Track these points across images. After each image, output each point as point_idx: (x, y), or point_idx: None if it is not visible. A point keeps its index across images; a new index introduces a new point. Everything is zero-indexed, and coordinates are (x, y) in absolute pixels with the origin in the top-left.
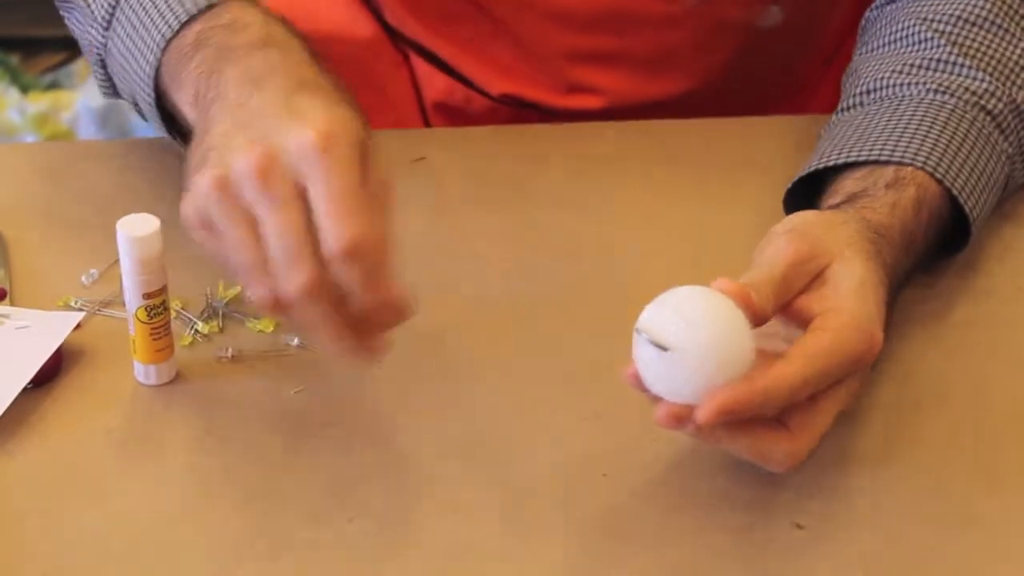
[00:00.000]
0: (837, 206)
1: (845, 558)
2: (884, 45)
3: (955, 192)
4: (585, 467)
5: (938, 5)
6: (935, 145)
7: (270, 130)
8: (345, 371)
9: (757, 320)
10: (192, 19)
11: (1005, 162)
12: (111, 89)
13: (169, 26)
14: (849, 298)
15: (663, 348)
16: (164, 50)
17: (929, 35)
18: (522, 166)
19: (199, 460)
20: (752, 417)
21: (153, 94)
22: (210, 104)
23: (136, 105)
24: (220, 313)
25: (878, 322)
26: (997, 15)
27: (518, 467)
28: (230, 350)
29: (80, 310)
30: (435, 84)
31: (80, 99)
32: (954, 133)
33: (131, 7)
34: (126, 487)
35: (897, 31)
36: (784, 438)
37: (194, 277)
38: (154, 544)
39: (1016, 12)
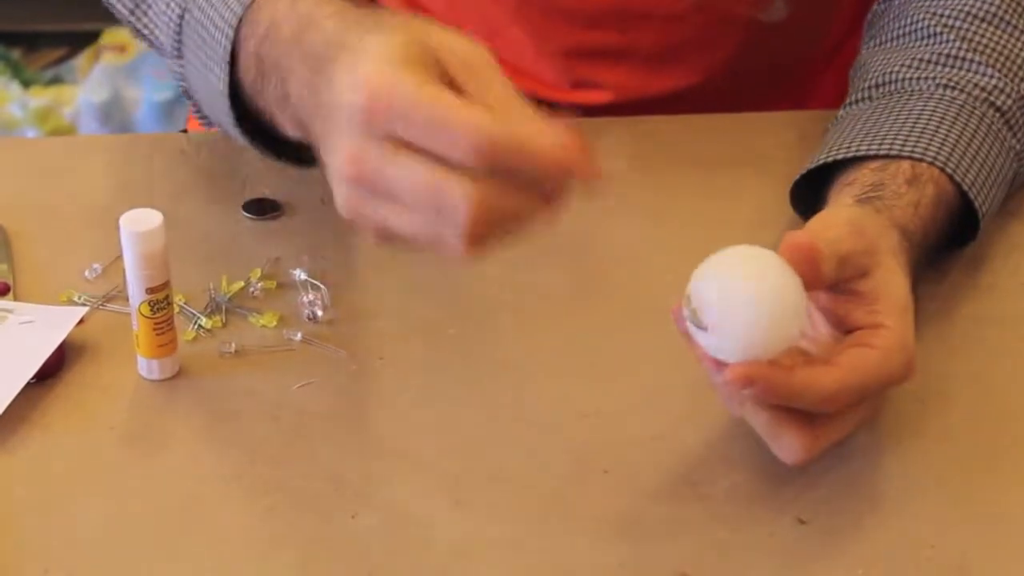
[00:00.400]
0: (865, 198)
1: (847, 553)
2: (893, 39)
3: (965, 188)
4: (587, 463)
5: (948, 0)
6: (945, 141)
7: (341, 122)
8: (346, 367)
9: (816, 284)
10: (243, 35)
11: (1013, 158)
12: (205, 119)
13: (222, 69)
14: (897, 316)
15: (702, 328)
16: (230, 81)
17: (939, 30)
18: None
19: (202, 455)
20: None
21: (231, 111)
22: (310, 128)
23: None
24: (223, 308)
25: (915, 347)
26: (1007, 12)
27: (520, 463)
28: (233, 345)
29: (83, 305)
30: None
31: (82, 94)
32: (964, 128)
33: (193, 29)
34: (129, 482)
35: (906, 25)
36: (802, 431)
37: (197, 272)
38: (157, 539)
39: None
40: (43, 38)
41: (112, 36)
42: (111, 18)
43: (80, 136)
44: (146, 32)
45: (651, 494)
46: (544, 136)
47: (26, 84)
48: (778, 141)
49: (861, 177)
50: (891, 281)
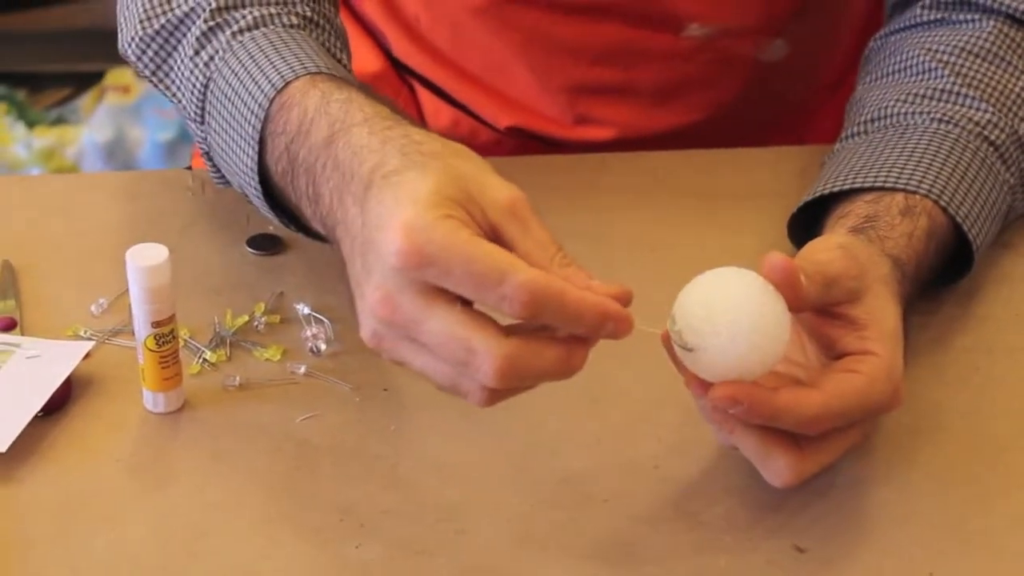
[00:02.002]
0: (859, 229)
1: (842, 570)
2: (888, 75)
3: (959, 220)
4: (587, 493)
5: (942, 36)
6: (939, 174)
7: (371, 258)
8: (350, 399)
9: (797, 304)
10: (273, 127)
11: (1007, 192)
12: (222, 179)
13: (252, 148)
14: (885, 344)
15: (686, 349)
16: (259, 170)
17: (933, 65)
18: (529, 197)
19: (207, 487)
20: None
21: (260, 188)
22: (334, 237)
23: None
24: (228, 342)
25: (903, 375)
26: (1000, 48)
27: (522, 493)
28: (237, 378)
29: (90, 339)
30: (440, 116)
31: (86, 134)
32: (958, 162)
33: (219, 101)
34: (135, 514)
35: (901, 61)
36: (790, 452)
37: (202, 306)
38: (163, 570)
39: (1019, 46)
40: (47, 78)
41: (116, 76)
42: (115, 59)
43: (86, 173)
44: (168, 94)
45: (651, 522)
46: (587, 297)
47: (30, 124)
48: (778, 175)
49: (855, 209)
50: (881, 308)
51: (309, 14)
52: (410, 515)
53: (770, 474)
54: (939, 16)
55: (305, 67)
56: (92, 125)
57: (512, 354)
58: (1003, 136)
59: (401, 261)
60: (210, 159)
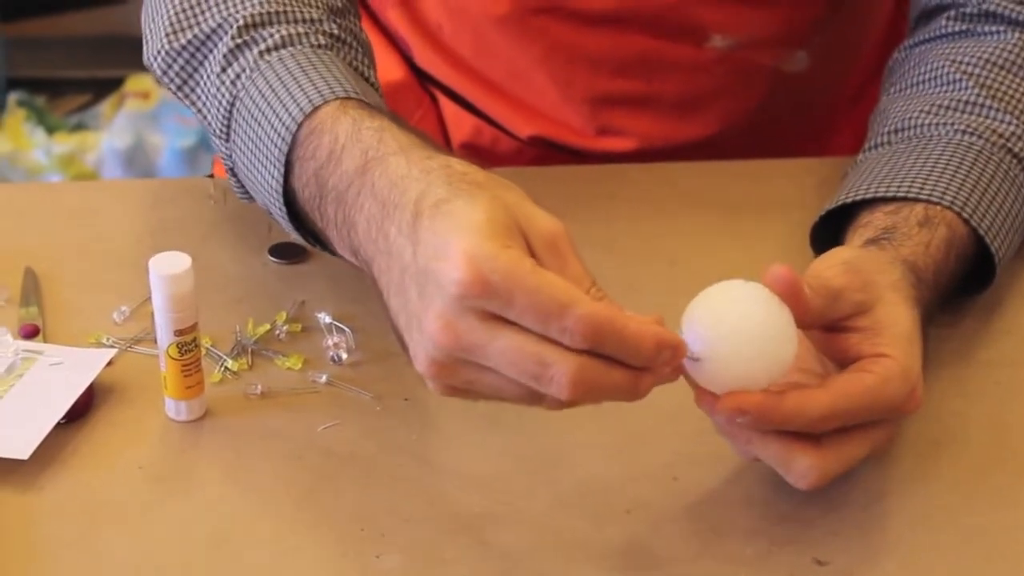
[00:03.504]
0: (875, 240)
1: None
2: (912, 85)
3: (982, 232)
4: (610, 504)
5: (967, 48)
6: (962, 185)
7: (430, 288)
8: (371, 408)
9: (803, 316)
10: (299, 150)
11: None
12: (246, 195)
13: (284, 143)
14: (900, 346)
15: (693, 359)
16: (285, 192)
17: (958, 76)
18: (550, 207)
19: (229, 495)
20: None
21: (284, 207)
22: (370, 267)
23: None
24: (249, 350)
25: (921, 377)
26: None
27: (543, 502)
28: (259, 387)
29: (112, 347)
30: (462, 125)
31: (105, 140)
32: (981, 174)
33: (245, 120)
34: (156, 522)
35: (925, 72)
36: (812, 453)
37: (224, 315)
38: None
39: None
40: (67, 85)
41: (135, 83)
42: (134, 65)
43: (109, 180)
44: (193, 109)
45: (672, 533)
46: (645, 328)
47: (50, 130)
48: (798, 187)
49: (874, 220)
50: (894, 314)
51: (336, 32)
52: (431, 524)
53: (795, 477)
54: (964, 28)
55: (334, 91)
56: (112, 131)
57: (586, 365)
58: None
59: (464, 290)
60: (234, 175)
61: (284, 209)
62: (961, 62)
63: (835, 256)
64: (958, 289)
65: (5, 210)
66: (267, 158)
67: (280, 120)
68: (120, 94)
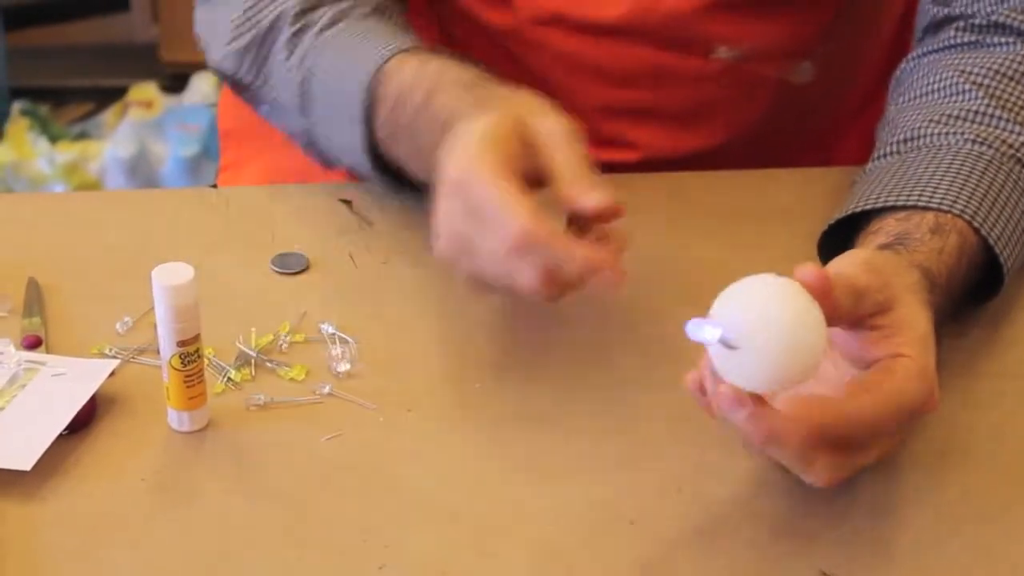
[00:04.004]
0: (889, 246)
1: None
2: (921, 95)
3: (991, 241)
4: (612, 514)
5: (976, 58)
6: (972, 194)
7: (438, 190)
8: (374, 419)
9: (831, 313)
10: (375, 101)
11: None
12: (327, 164)
13: (358, 103)
14: (918, 346)
15: (730, 347)
16: (368, 145)
17: (967, 87)
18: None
19: (231, 506)
20: None
21: (367, 159)
22: (435, 169)
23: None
24: (252, 361)
25: (936, 378)
26: None
27: (547, 514)
28: (262, 398)
29: (115, 357)
30: None
31: (108, 149)
32: (991, 184)
33: (320, 93)
34: (159, 532)
35: (934, 82)
36: (829, 451)
37: (226, 325)
38: None
39: None
40: (70, 94)
41: (138, 92)
42: (137, 74)
43: (111, 191)
44: (271, 95)
45: (677, 545)
46: (572, 246)
47: (53, 139)
48: (803, 197)
49: (885, 227)
50: (911, 315)
51: (380, 3)
52: (434, 536)
53: (810, 475)
54: (973, 39)
55: (390, 48)
56: (115, 140)
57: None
58: None
59: (450, 188)
60: (312, 148)
61: (370, 164)
62: (970, 72)
63: (855, 256)
64: (968, 297)
65: (8, 220)
66: (348, 119)
67: (352, 83)
68: (123, 103)
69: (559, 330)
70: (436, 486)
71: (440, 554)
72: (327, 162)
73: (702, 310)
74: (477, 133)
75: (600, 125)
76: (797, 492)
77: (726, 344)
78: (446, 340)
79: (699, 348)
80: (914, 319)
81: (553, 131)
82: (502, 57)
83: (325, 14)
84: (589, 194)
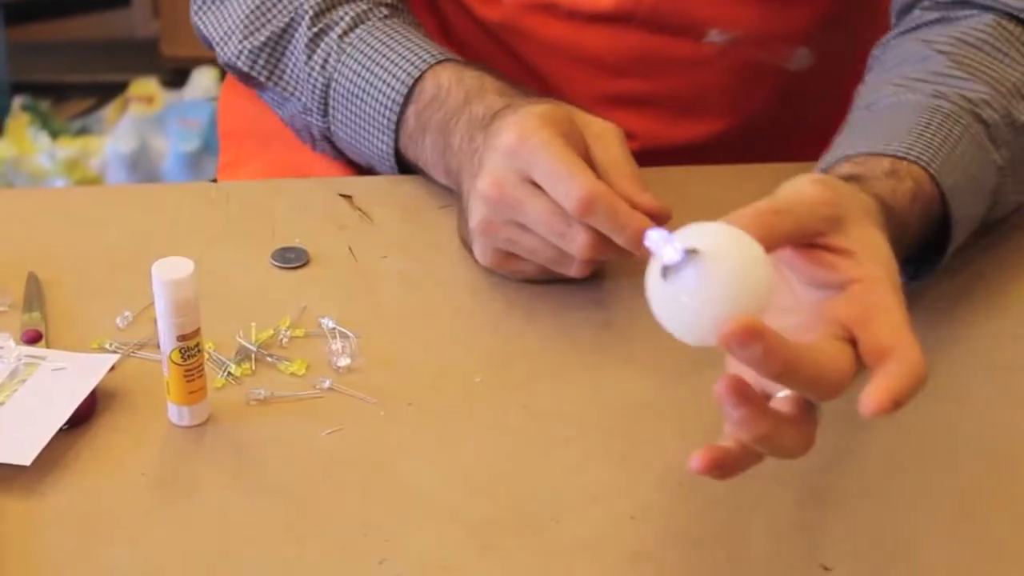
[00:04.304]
0: (842, 178)
1: None
2: (887, 71)
3: (944, 190)
4: (613, 509)
5: (940, 29)
6: (929, 143)
7: (487, 155)
8: (374, 413)
9: (770, 242)
10: (406, 101)
11: (995, 172)
12: (340, 155)
13: (392, 113)
14: (881, 266)
15: (693, 252)
16: (395, 136)
17: (929, 53)
18: None
19: (232, 501)
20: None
21: (395, 166)
22: (458, 175)
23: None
24: (252, 356)
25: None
26: (998, 40)
27: (547, 509)
28: (262, 392)
29: (115, 352)
30: None
31: (109, 144)
32: (948, 134)
33: (344, 98)
34: (159, 527)
35: (899, 55)
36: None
37: (226, 320)
38: None
39: (1017, 39)
40: (71, 89)
41: (139, 87)
42: (139, 69)
43: (111, 185)
44: (286, 93)
45: (677, 539)
46: (636, 215)
47: (54, 134)
48: None
49: (839, 169)
50: (869, 234)
51: (393, 1)
52: (435, 530)
53: (790, 449)
54: (938, 16)
55: (425, 61)
56: (116, 135)
57: (597, 231)
58: (996, 116)
59: (508, 148)
60: (326, 141)
61: (395, 168)
62: (932, 41)
63: (804, 176)
64: (921, 247)
65: (8, 215)
66: (376, 127)
67: (385, 95)
68: (124, 98)
69: (559, 324)
70: (437, 481)
71: (441, 549)
72: (341, 156)
73: None
74: (534, 113)
75: (595, 115)
76: (798, 486)
77: (690, 250)
78: (447, 334)
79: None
80: (872, 239)
81: (604, 129)
82: (499, 50)
83: (345, 15)
84: (645, 193)
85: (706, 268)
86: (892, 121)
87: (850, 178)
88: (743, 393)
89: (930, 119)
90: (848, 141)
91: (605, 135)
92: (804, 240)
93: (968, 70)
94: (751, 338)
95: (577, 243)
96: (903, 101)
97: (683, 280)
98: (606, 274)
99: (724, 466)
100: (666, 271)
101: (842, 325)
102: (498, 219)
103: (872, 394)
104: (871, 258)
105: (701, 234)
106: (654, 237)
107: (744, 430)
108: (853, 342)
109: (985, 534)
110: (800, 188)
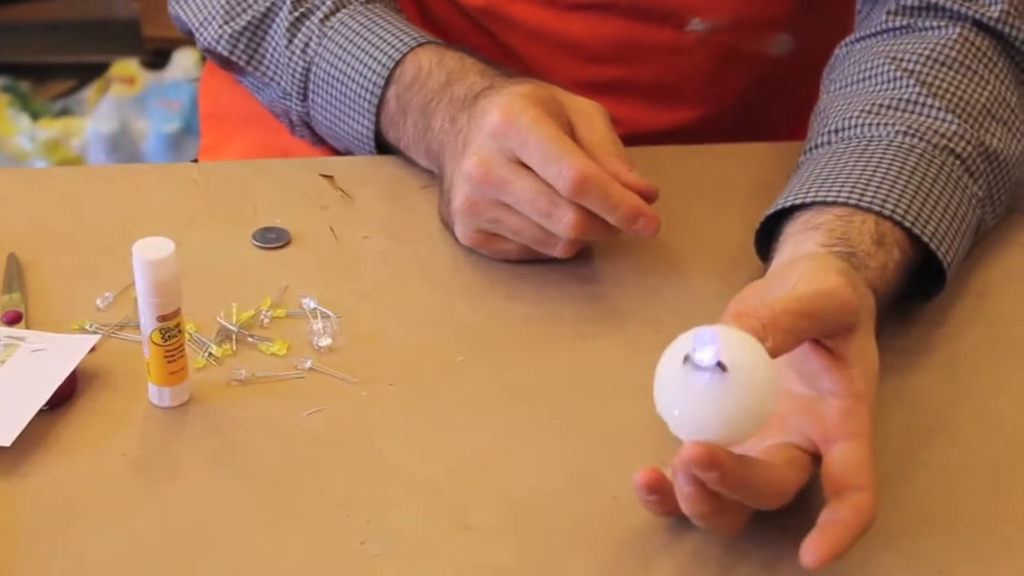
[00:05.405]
0: (841, 255)
1: (853, 571)
2: (853, 84)
3: (928, 240)
4: (596, 489)
5: (908, 44)
6: (904, 191)
7: (472, 135)
8: (356, 394)
9: (795, 344)
10: (387, 83)
11: (976, 205)
12: (318, 140)
13: (372, 96)
14: (870, 386)
15: (723, 369)
16: (376, 119)
17: (898, 75)
18: None
19: (212, 482)
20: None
21: (375, 149)
22: (439, 155)
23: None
24: (233, 336)
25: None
26: (966, 57)
27: (529, 488)
28: (243, 372)
29: (95, 333)
30: None
31: (90, 125)
32: (923, 178)
33: (324, 82)
34: (140, 508)
35: (866, 70)
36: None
37: (207, 300)
38: (168, 565)
39: (984, 55)
40: (52, 70)
41: (120, 68)
42: (119, 50)
43: (91, 166)
44: (265, 78)
45: (659, 521)
46: (628, 194)
47: (35, 116)
48: (784, 171)
49: (827, 223)
50: (868, 349)
51: None
52: (416, 510)
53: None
54: (905, 23)
55: (406, 43)
56: (97, 117)
57: (584, 210)
58: (969, 148)
59: (495, 128)
60: (305, 126)
61: (375, 151)
62: (901, 59)
63: (826, 263)
64: (909, 296)
65: None
66: (356, 110)
67: (365, 78)
68: (105, 79)
69: (543, 304)
70: (418, 461)
71: (422, 529)
72: (319, 140)
73: (680, 283)
74: (519, 92)
75: None
76: None
77: (721, 366)
78: (428, 314)
79: (683, 322)
80: (869, 353)
81: (589, 108)
82: (480, 36)
83: (326, 0)
84: (631, 172)
85: (724, 387)
86: (866, 163)
87: (842, 243)
88: (655, 489)
89: (904, 162)
90: (823, 173)
91: (590, 114)
92: (819, 338)
93: (939, 98)
94: (710, 466)
95: (564, 223)
96: (874, 137)
97: (698, 379)
98: (590, 254)
99: (663, 491)
100: (687, 359)
101: (808, 438)
102: (483, 199)
103: (816, 546)
104: (862, 377)
105: (734, 346)
106: (703, 336)
107: (686, 505)
108: (813, 453)
109: (971, 515)
110: (829, 285)
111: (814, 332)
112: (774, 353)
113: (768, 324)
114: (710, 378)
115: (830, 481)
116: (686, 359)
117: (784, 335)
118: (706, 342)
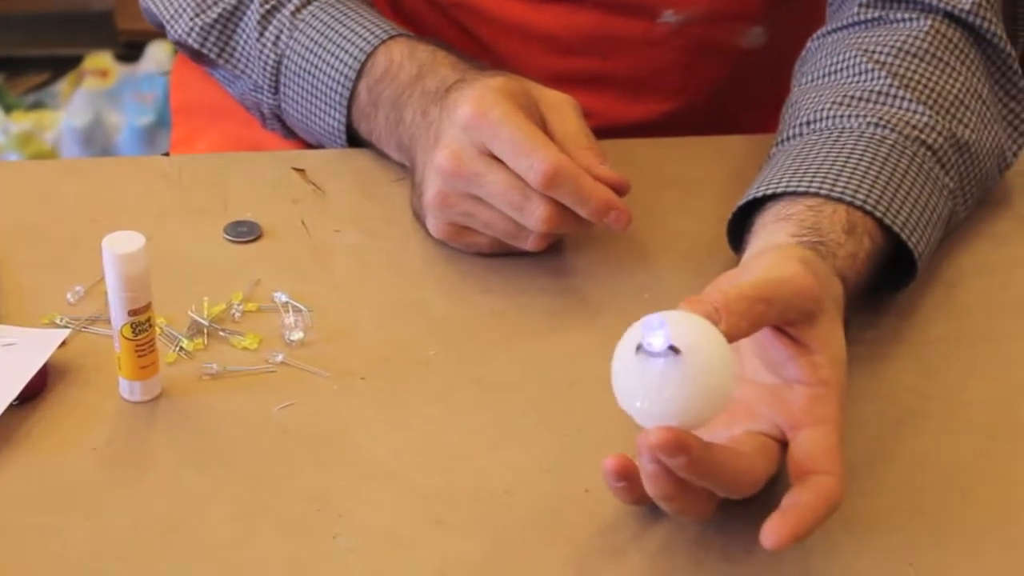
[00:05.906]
0: (810, 244)
1: (826, 572)
2: (825, 76)
3: (899, 231)
4: (568, 482)
5: (879, 36)
6: (875, 182)
7: (444, 127)
8: (327, 387)
9: (752, 330)
10: (358, 76)
11: (947, 197)
12: (289, 133)
13: (344, 89)
14: (838, 371)
15: (676, 352)
16: (348, 112)
17: (869, 67)
18: None
19: (184, 477)
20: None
21: (346, 142)
22: (411, 148)
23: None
24: (205, 330)
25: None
26: (938, 48)
27: (501, 482)
28: (215, 367)
29: (66, 327)
30: None
31: (64, 119)
32: (894, 169)
33: (296, 75)
34: (111, 503)
35: (838, 62)
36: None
37: (179, 294)
38: (139, 560)
39: (956, 47)
40: (25, 63)
41: (94, 61)
42: (93, 43)
43: (63, 159)
44: (236, 71)
45: (631, 513)
46: (599, 187)
47: (8, 109)
48: (757, 163)
49: (798, 214)
50: (834, 335)
51: None
52: (388, 505)
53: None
54: (877, 15)
55: (378, 35)
56: (70, 110)
57: (556, 203)
58: (940, 139)
59: (467, 121)
60: (276, 119)
61: (346, 144)
62: (872, 51)
63: (789, 252)
64: (879, 287)
65: None
66: (327, 103)
67: (336, 70)
68: (78, 72)
69: (514, 297)
70: (390, 454)
71: (394, 523)
72: (290, 134)
73: (652, 275)
74: (491, 85)
75: None
76: None
77: (673, 349)
78: (400, 307)
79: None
80: (835, 339)
81: (560, 100)
82: (452, 29)
83: None
84: (603, 165)
85: (680, 369)
86: (836, 154)
87: (812, 233)
88: (624, 475)
89: (875, 154)
90: (794, 164)
91: (561, 107)
92: (779, 325)
93: (911, 90)
94: (677, 450)
95: (536, 216)
96: (846, 128)
97: (653, 366)
98: (562, 247)
99: (632, 477)
100: (639, 348)
101: (777, 426)
102: (454, 192)
103: (775, 529)
104: (828, 363)
105: (685, 330)
106: (651, 322)
107: (650, 486)
108: (782, 441)
109: (939, 505)
110: (787, 272)
111: (772, 318)
112: (730, 337)
113: (721, 307)
114: (665, 362)
115: (795, 466)
116: (639, 348)
117: (738, 318)
118: (654, 327)
